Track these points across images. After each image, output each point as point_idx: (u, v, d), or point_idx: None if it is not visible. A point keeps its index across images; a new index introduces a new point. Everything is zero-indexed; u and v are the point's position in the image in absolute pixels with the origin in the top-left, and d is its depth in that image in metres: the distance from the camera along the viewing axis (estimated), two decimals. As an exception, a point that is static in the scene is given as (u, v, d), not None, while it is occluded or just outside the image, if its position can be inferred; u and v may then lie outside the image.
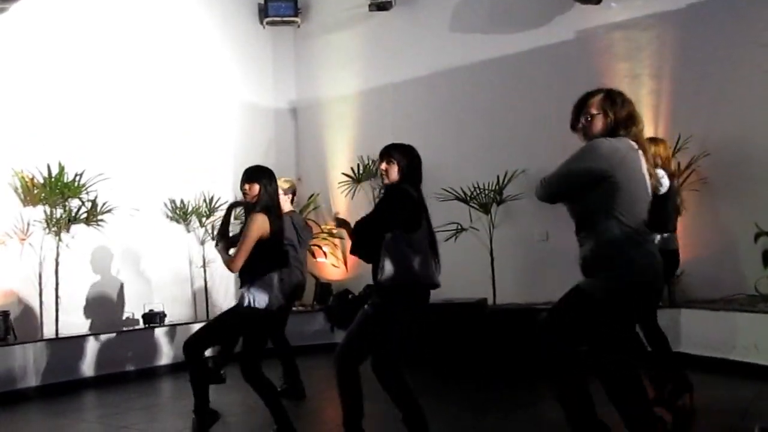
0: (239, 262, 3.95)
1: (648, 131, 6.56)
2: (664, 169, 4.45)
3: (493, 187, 7.06)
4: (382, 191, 3.73)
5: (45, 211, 6.41)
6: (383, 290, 3.54)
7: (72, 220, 6.50)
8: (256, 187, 4.05)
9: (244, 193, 4.10)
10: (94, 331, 6.68)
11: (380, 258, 3.53)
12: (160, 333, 6.98)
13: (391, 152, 3.66)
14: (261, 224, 3.96)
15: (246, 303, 3.99)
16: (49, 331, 6.36)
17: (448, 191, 6.98)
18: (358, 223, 3.64)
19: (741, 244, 5.93)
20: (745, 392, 4.61)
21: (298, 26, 9.06)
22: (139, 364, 6.74)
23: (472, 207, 7.13)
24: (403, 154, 3.65)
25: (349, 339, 3.66)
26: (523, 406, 4.56)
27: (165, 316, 7.18)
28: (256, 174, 4.10)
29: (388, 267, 3.49)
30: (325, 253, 8.55)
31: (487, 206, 7.08)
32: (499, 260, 6.83)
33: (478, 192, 7.12)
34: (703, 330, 5.09)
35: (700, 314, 5.57)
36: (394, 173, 3.62)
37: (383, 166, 3.66)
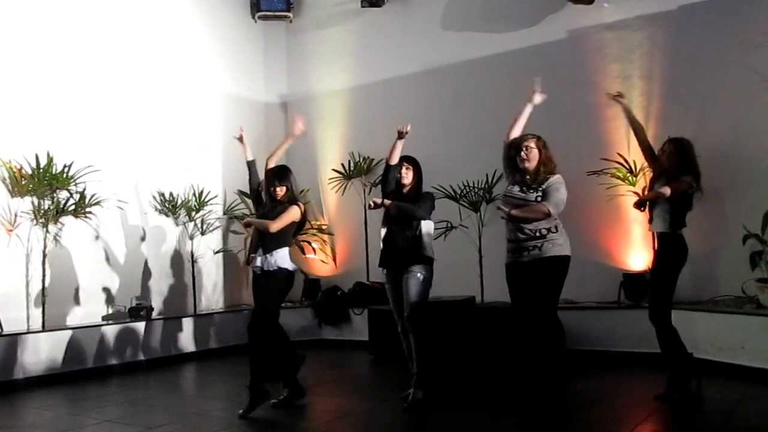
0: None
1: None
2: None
3: (483, 186, 7.07)
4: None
5: (33, 203, 6.37)
6: (430, 261, 4.71)
7: (60, 211, 6.45)
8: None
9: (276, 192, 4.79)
10: (81, 324, 6.63)
11: (421, 239, 4.67)
12: (147, 327, 6.95)
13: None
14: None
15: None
16: (35, 324, 6.32)
17: (437, 189, 6.95)
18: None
19: (729, 245, 5.98)
20: (731, 393, 4.64)
21: (290, 21, 9.05)
22: (126, 357, 6.71)
23: (462, 205, 7.15)
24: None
25: (421, 303, 4.63)
26: (511, 404, 4.56)
27: (152, 309, 7.15)
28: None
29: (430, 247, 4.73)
30: (314, 249, 8.53)
31: (477, 204, 7.09)
32: (488, 258, 6.83)
33: (468, 190, 7.14)
34: (690, 331, 5.11)
35: (687, 315, 5.60)
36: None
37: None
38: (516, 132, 4.47)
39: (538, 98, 4.52)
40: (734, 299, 5.84)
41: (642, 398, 4.75)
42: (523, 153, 4.32)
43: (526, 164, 4.31)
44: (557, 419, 4.07)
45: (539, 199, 4.22)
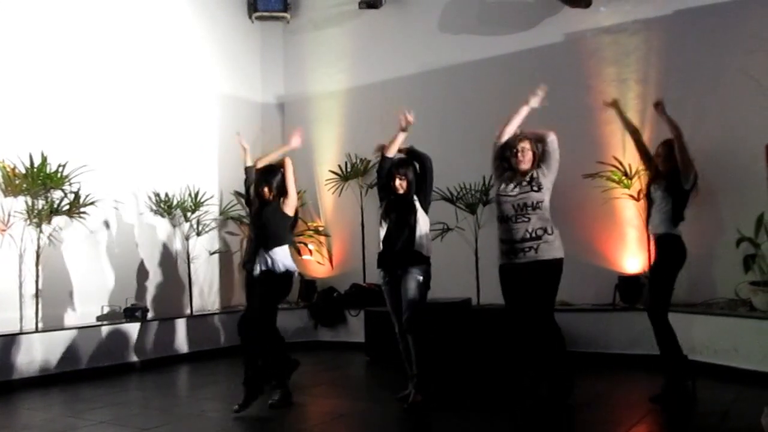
0: None
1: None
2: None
3: (480, 188, 7.08)
4: None
5: (26, 202, 6.33)
6: (428, 261, 4.68)
7: (54, 211, 6.41)
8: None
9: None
10: (75, 325, 6.60)
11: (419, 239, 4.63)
12: (142, 328, 6.93)
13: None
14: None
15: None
16: (29, 324, 6.29)
17: (434, 191, 6.93)
18: None
19: (723, 248, 6.00)
20: (725, 395, 4.67)
21: (288, 22, 9.05)
22: (120, 358, 6.69)
23: (459, 207, 7.15)
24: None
25: (420, 304, 4.60)
26: (507, 406, 4.57)
27: (147, 310, 7.13)
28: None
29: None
30: (310, 251, 8.53)
31: (473, 206, 7.10)
32: (484, 260, 6.84)
33: (465, 192, 7.15)
34: (684, 334, 5.12)
35: (682, 318, 5.60)
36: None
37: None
38: (509, 132, 4.50)
39: (535, 102, 4.55)
40: (728, 302, 5.87)
41: (637, 400, 4.77)
42: (519, 155, 4.36)
43: (522, 165, 4.37)
44: (558, 419, 4.09)
45: (536, 190, 4.30)
